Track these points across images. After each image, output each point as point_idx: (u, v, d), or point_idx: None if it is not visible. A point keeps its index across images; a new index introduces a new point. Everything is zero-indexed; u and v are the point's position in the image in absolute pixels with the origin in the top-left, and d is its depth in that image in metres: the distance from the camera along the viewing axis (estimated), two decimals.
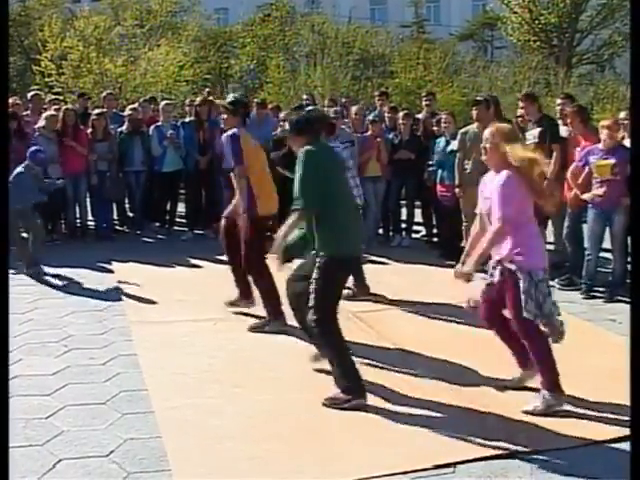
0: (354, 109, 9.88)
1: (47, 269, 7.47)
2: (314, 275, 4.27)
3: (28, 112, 10.04)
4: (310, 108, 5.64)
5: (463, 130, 7.80)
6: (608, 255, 7.00)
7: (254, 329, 5.69)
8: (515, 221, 4.13)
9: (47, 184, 7.89)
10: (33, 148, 7.91)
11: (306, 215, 4.29)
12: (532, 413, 4.12)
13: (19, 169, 7.55)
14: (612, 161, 6.43)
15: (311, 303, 4.27)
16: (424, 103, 10.70)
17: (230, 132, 5.77)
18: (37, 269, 7.37)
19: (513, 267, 4.15)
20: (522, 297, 4.09)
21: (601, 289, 6.71)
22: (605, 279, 6.85)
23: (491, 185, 4.26)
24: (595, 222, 6.65)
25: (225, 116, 6.00)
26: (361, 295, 6.61)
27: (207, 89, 14.70)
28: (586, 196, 6.66)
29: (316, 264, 4.29)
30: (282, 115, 9.65)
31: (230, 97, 6.25)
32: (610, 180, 6.46)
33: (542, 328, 4.20)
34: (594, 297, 6.64)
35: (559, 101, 8.23)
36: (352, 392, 4.27)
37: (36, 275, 7.28)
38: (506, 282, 4.20)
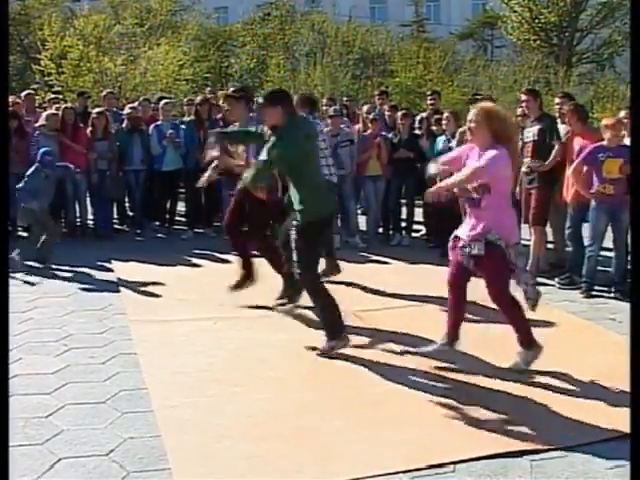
0: (365, 108, 9.99)
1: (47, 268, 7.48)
2: (294, 236, 4.87)
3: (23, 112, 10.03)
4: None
5: (462, 129, 7.79)
6: (608, 254, 6.99)
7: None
8: (499, 203, 4.50)
9: (60, 170, 8.01)
10: (42, 150, 7.92)
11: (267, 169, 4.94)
12: (512, 369, 4.64)
13: (30, 171, 7.60)
14: (621, 160, 6.51)
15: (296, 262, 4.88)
16: (429, 102, 10.70)
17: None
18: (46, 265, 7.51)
19: (496, 240, 4.48)
20: (514, 269, 4.58)
21: (605, 288, 6.71)
22: (605, 278, 6.85)
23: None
24: (599, 220, 6.65)
25: (229, 107, 6.12)
26: (331, 273, 6.73)
27: (208, 88, 14.68)
28: (592, 193, 6.67)
29: (294, 227, 4.88)
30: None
31: (232, 87, 6.31)
32: (616, 179, 6.54)
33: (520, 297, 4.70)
34: (594, 296, 6.64)
35: (557, 100, 8.22)
36: (336, 338, 4.91)
37: (42, 270, 7.36)
38: (486, 259, 4.49)
